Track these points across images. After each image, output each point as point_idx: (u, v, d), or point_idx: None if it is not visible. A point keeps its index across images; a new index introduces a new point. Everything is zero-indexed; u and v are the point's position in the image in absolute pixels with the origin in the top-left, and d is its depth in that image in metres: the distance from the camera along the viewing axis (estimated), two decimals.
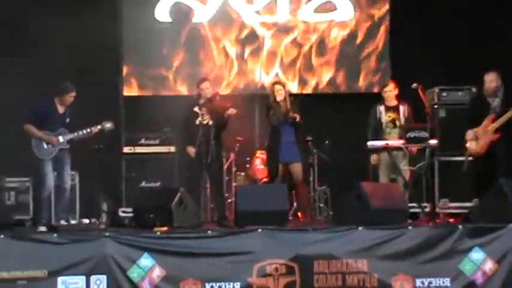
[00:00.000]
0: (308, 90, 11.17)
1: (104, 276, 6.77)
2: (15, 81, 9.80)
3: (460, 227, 7.07)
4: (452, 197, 9.51)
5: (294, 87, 10.96)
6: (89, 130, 8.63)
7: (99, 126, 8.67)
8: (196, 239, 6.99)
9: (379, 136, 8.89)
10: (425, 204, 8.70)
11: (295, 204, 9.50)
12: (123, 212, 9.75)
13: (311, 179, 10.09)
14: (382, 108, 9.08)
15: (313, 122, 9.45)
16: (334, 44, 11.22)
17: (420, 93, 8.27)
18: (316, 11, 11.18)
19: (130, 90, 11.06)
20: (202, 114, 8.90)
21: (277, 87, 9.19)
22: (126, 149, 10.12)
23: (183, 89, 11.02)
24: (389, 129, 8.99)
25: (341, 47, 11.21)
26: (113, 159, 10.13)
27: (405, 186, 8.57)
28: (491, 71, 8.56)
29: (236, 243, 6.97)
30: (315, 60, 11.20)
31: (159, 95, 11.03)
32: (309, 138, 9.92)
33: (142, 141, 10.14)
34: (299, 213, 9.45)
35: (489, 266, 6.95)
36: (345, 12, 11.18)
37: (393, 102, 9.08)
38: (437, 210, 8.91)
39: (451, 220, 8.40)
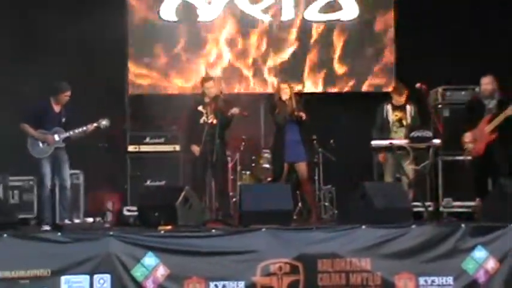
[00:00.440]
0: (313, 89, 11.16)
1: (108, 275, 6.76)
2: (24, 81, 9.81)
3: (463, 226, 7.09)
4: (455, 196, 9.52)
5: (298, 86, 10.93)
6: (84, 128, 8.59)
7: (95, 124, 8.63)
8: (201, 238, 6.97)
9: (385, 135, 8.87)
10: (429, 203, 8.70)
11: (299, 204, 9.53)
12: (128, 210, 9.76)
13: (316, 177, 10.10)
14: (389, 107, 9.06)
15: (318, 121, 9.47)
16: (339, 43, 11.22)
17: (423, 93, 8.28)
18: (321, 10, 11.19)
19: (136, 89, 11.09)
20: (207, 113, 8.94)
21: (283, 86, 9.20)
22: (131, 148, 10.10)
23: (187, 88, 11.02)
24: (395, 128, 8.98)
25: (346, 46, 11.21)
26: (118, 158, 10.15)
27: (409, 186, 8.58)
28: (487, 74, 8.65)
29: (240, 242, 6.97)
30: (319, 60, 11.20)
31: (164, 94, 11.03)
32: (314, 137, 9.95)
33: (147, 140, 10.12)
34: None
35: (491, 264, 6.97)
36: (350, 11, 11.18)
37: (401, 102, 9.05)
38: (440, 209, 8.92)
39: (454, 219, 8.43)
